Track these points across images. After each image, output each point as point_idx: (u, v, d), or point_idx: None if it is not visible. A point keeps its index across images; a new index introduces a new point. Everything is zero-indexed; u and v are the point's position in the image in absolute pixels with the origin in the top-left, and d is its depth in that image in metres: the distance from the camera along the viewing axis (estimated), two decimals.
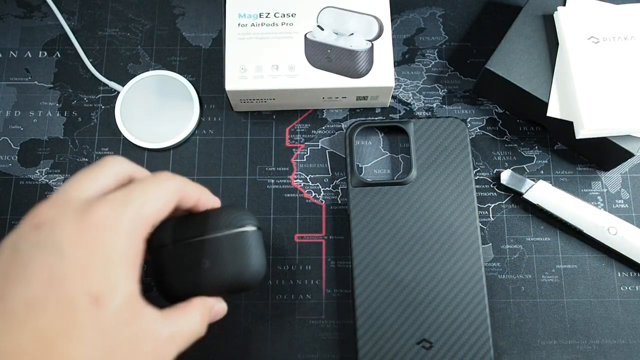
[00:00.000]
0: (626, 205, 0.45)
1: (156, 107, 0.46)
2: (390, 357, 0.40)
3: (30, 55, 0.49)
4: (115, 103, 0.47)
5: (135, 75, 0.47)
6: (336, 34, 0.44)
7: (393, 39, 0.49)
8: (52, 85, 0.48)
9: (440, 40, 0.49)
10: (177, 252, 0.31)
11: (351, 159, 0.44)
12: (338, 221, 0.45)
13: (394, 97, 0.48)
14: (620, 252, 0.42)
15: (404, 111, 0.47)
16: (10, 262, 0.25)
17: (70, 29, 0.49)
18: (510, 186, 0.44)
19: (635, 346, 0.42)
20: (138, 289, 0.26)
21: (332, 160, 0.46)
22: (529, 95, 0.43)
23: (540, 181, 0.44)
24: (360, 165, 0.46)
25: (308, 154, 0.46)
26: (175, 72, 0.48)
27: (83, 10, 0.50)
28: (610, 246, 0.42)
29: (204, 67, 0.49)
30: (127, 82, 0.47)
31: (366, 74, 0.43)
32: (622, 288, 0.43)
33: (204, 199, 0.32)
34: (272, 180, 0.46)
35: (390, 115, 0.47)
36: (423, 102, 0.47)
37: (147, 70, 0.48)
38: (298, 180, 0.46)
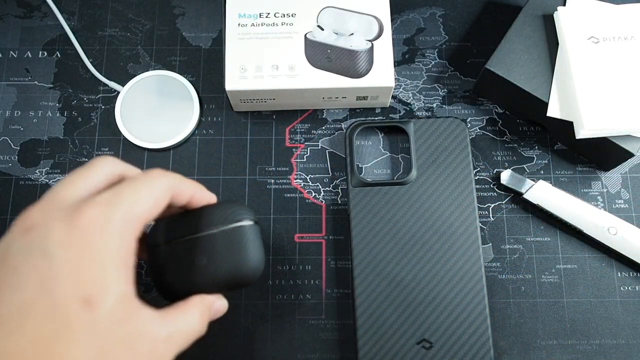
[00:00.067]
0: (626, 205, 0.45)
1: (156, 107, 0.46)
2: (390, 357, 0.40)
3: (30, 55, 0.49)
4: (115, 103, 0.47)
5: (135, 75, 0.47)
6: (336, 34, 0.44)
7: (393, 39, 0.49)
8: (52, 85, 0.48)
9: (440, 40, 0.49)
10: (173, 250, 0.31)
11: (351, 159, 0.44)
12: (338, 221, 0.45)
13: (394, 97, 0.48)
14: (620, 252, 0.42)
15: (404, 111, 0.47)
16: (0, 267, 0.25)
17: (70, 29, 0.49)
18: (510, 186, 0.44)
19: (635, 346, 0.42)
20: (132, 289, 0.26)
21: (332, 160, 0.46)
22: (529, 95, 0.43)
23: (540, 181, 0.44)
24: (360, 165, 0.46)
25: (308, 154, 0.46)
26: (175, 72, 0.48)
27: (83, 10, 0.50)
28: (610, 246, 0.42)
29: (204, 67, 0.49)
30: (127, 82, 0.47)
31: (366, 74, 0.43)
32: (622, 288, 0.43)
33: (199, 195, 0.31)
34: (272, 180, 0.46)
35: (390, 115, 0.47)
36: (423, 102, 0.47)
37: (147, 70, 0.48)
38: (298, 180, 0.46)
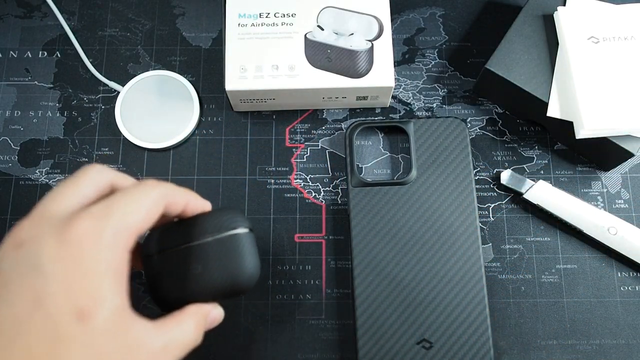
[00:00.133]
0: (626, 205, 0.45)
1: (156, 107, 0.46)
2: (390, 357, 0.40)
3: (30, 55, 0.49)
4: (115, 103, 0.47)
5: (135, 75, 0.47)
6: (336, 34, 0.44)
7: (393, 39, 0.49)
8: (52, 85, 0.48)
9: (440, 40, 0.49)
10: (168, 259, 0.30)
11: (351, 159, 0.44)
12: (338, 221, 0.45)
13: (394, 97, 0.48)
14: (620, 252, 0.42)
15: (404, 111, 0.47)
16: None
17: (70, 29, 0.49)
18: (510, 186, 0.44)
19: (635, 346, 0.42)
20: (126, 301, 0.26)
21: (332, 160, 0.46)
22: (529, 95, 0.43)
23: (540, 181, 0.44)
24: (360, 165, 0.46)
25: (308, 154, 0.46)
26: (175, 72, 0.48)
27: (83, 10, 0.50)
28: (610, 246, 0.42)
29: (204, 67, 0.49)
30: (127, 82, 0.47)
31: (366, 74, 0.43)
32: (622, 288, 0.43)
33: (193, 203, 0.31)
34: (272, 180, 0.46)
35: (390, 115, 0.47)
36: (423, 102, 0.47)
37: (147, 70, 0.48)
38: (298, 180, 0.46)
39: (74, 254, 0.25)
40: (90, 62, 0.48)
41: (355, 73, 0.43)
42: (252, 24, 0.44)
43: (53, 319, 0.24)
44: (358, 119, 0.47)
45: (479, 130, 0.47)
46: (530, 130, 0.47)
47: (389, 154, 0.46)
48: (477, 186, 0.45)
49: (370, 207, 0.43)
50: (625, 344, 0.42)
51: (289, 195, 0.45)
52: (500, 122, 0.47)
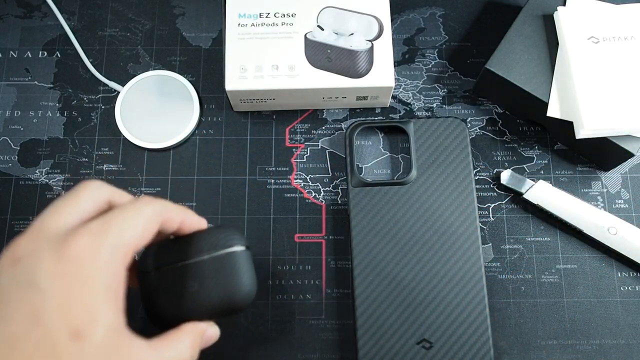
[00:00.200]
0: (626, 205, 0.45)
1: (156, 107, 0.46)
2: (390, 357, 0.40)
3: (30, 55, 0.49)
4: (115, 103, 0.47)
5: (135, 75, 0.47)
6: (336, 34, 0.44)
7: (393, 39, 0.49)
8: (52, 85, 0.48)
9: (440, 40, 0.49)
10: (163, 277, 0.30)
11: (351, 159, 0.44)
12: (338, 221, 0.45)
13: (394, 97, 0.48)
14: (620, 252, 0.42)
15: (404, 111, 0.47)
16: None
17: (70, 29, 0.49)
18: (510, 186, 0.44)
19: (635, 346, 0.42)
20: (122, 320, 0.26)
21: (332, 160, 0.46)
22: (529, 95, 0.43)
23: (540, 181, 0.44)
24: (360, 165, 0.46)
25: (308, 154, 0.46)
26: (175, 72, 0.48)
27: (83, 10, 0.50)
28: (610, 246, 0.42)
29: (204, 67, 0.49)
30: (127, 82, 0.47)
31: (366, 74, 0.43)
32: (622, 288, 0.43)
33: (189, 221, 0.31)
34: (272, 180, 0.46)
35: (390, 115, 0.47)
36: (423, 102, 0.47)
37: (147, 70, 0.48)
38: (298, 180, 0.46)
39: (72, 271, 0.25)
40: (90, 62, 0.48)
41: (355, 73, 0.43)
42: (252, 24, 0.44)
43: (48, 337, 0.24)
44: (358, 119, 0.47)
45: (479, 130, 0.47)
46: (530, 130, 0.47)
47: (389, 154, 0.46)
48: (477, 186, 0.45)
49: (370, 207, 0.43)
50: (625, 344, 0.42)
51: (289, 195, 0.45)
52: (500, 122, 0.47)
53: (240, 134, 0.47)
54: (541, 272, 0.43)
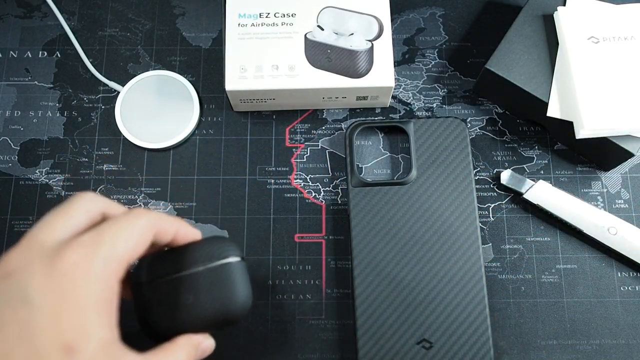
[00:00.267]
0: (626, 205, 0.45)
1: (156, 107, 0.46)
2: (390, 357, 0.40)
3: (30, 55, 0.49)
4: (115, 103, 0.47)
5: (135, 75, 0.47)
6: (336, 34, 0.44)
7: (393, 39, 0.49)
8: (52, 85, 0.48)
9: (440, 40, 0.49)
10: (158, 289, 0.30)
11: (351, 159, 0.44)
12: (338, 221, 0.45)
13: (394, 97, 0.48)
14: (620, 252, 0.42)
15: (404, 111, 0.47)
16: None
17: (70, 29, 0.49)
18: (510, 186, 0.44)
19: (635, 346, 0.42)
20: (114, 334, 0.26)
21: (332, 160, 0.46)
22: (529, 95, 0.43)
23: (540, 181, 0.44)
24: (360, 165, 0.46)
25: (308, 154, 0.46)
26: (175, 72, 0.48)
27: (83, 10, 0.50)
28: (610, 246, 0.42)
29: (204, 67, 0.49)
30: (127, 82, 0.47)
31: (366, 74, 0.43)
32: (622, 288, 0.43)
33: (183, 232, 0.31)
34: (272, 180, 0.46)
35: (390, 115, 0.47)
36: (423, 102, 0.47)
37: (147, 70, 0.48)
38: (298, 180, 0.46)
39: (63, 286, 0.24)
40: (90, 62, 0.48)
41: (355, 73, 0.43)
42: (252, 24, 0.44)
43: (39, 352, 0.23)
44: (358, 119, 0.47)
45: (479, 130, 0.47)
46: (530, 130, 0.47)
47: (389, 154, 0.46)
48: (477, 186, 0.45)
49: (370, 207, 0.43)
50: (625, 344, 0.42)
51: (289, 195, 0.45)
52: (500, 122, 0.47)
53: (240, 134, 0.47)
54: (541, 272, 0.43)
